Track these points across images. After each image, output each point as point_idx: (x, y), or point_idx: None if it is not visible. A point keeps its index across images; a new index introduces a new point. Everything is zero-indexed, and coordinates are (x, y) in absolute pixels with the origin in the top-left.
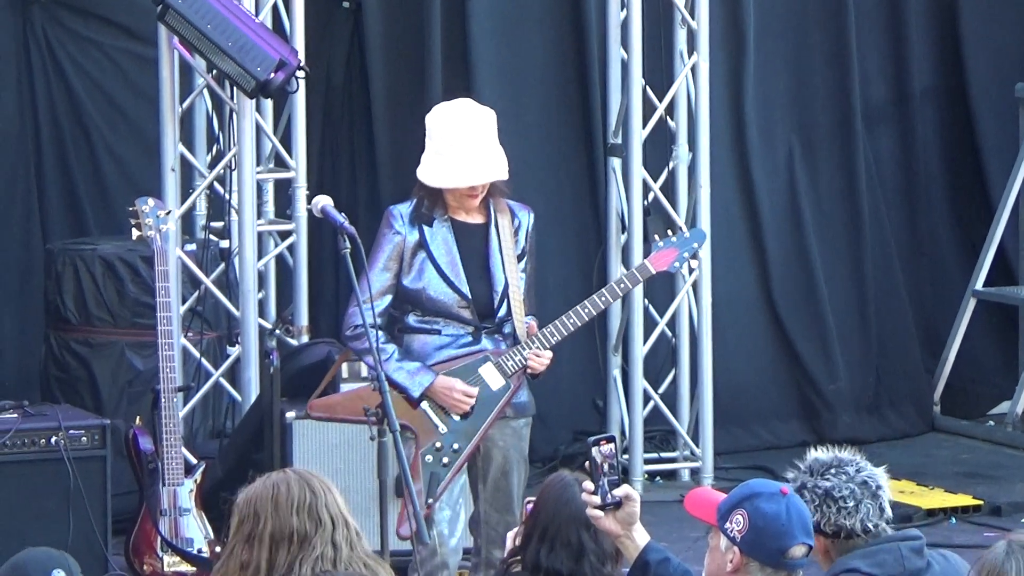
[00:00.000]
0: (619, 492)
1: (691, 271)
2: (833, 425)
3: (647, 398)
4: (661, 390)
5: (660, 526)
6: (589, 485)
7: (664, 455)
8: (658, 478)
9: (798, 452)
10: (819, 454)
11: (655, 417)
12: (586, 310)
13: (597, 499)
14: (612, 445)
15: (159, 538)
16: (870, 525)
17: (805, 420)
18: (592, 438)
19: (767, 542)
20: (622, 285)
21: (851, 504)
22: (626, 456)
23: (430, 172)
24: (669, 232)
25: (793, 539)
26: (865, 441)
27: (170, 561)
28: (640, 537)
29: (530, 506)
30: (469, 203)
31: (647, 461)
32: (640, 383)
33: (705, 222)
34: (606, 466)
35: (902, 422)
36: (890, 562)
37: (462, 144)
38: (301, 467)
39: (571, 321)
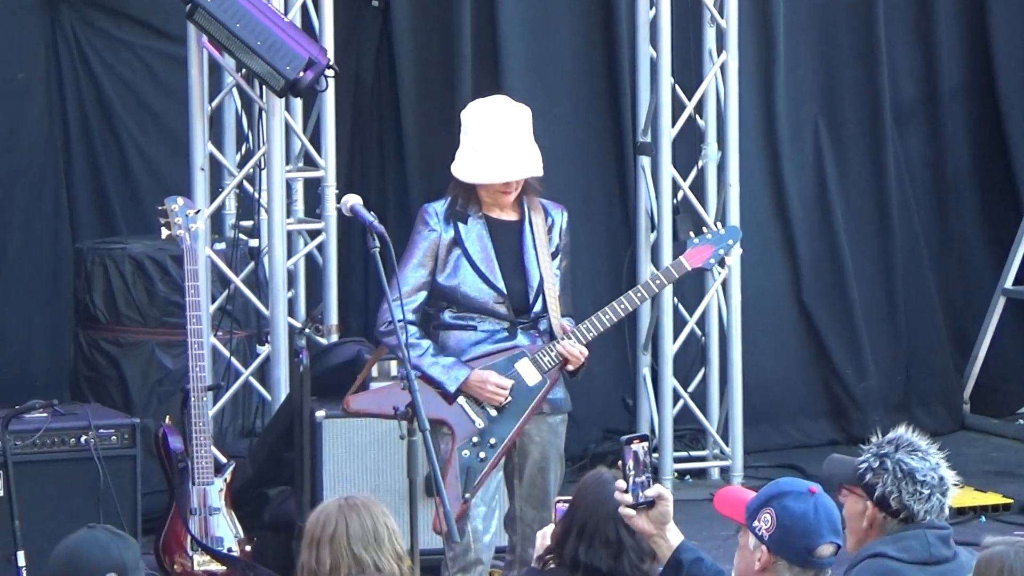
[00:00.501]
0: (651, 492)
1: (724, 267)
2: (862, 424)
3: (677, 397)
4: (691, 389)
5: (690, 524)
6: (622, 484)
7: (694, 454)
8: (688, 477)
9: (827, 451)
10: (904, 432)
11: (685, 416)
12: (622, 306)
13: (629, 498)
14: (644, 444)
15: (189, 537)
16: (928, 517)
17: (834, 419)
18: (624, 437)
19: (795, 541)
20: (657, 282)
21: (926, 492)
22: (656, 455)
23: (465, 168)
24: (704, 229)
25: (821, 538)
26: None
27: (200, 560)
28: (673, 537)
29: (560, 506)
30: (503, 200)
31: (677, 460)
32: (670, 382)
33: (734, 220)
34: (638, 465)
35: (932, 421)
36: (917, 548)
37: (497, 140)
38: (367, 496)
39: (607, 317)
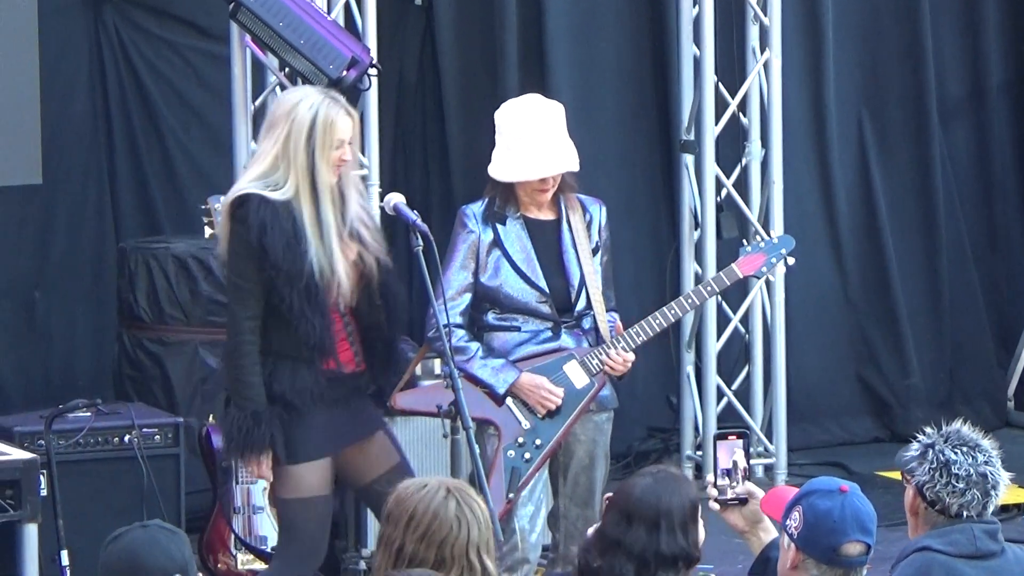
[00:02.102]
0: (741, 490)
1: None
2: (906, 421)
3: (720, 395)
4: (735, 387)
5: None
6: (711, 478)
7: None
8: (708, 473)
9: (871, 448)
10: (964, 428)
11: (728, 414)
12: (672, 311)
13: (715, 492)
14: (743, 441)
15: (233, 536)
16: (964, 513)
17: (878, 416)
18: (717, 432)
19: (820, 538)
20: (708, 288)
21: (961, 486)
22: (699, 452)
23: (501, 168)
24: (758, 237)
25: (845, 536)
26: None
27: (244, 559)
28: (766, 535)
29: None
30: (540, 198)
31: None
32: (713, 380)
33: (778, 218)
34: (730, 462)
35: (976, 418)
36: (963, 542)
37: (531, 137)
38: (467, 487)
39: (656, 322)
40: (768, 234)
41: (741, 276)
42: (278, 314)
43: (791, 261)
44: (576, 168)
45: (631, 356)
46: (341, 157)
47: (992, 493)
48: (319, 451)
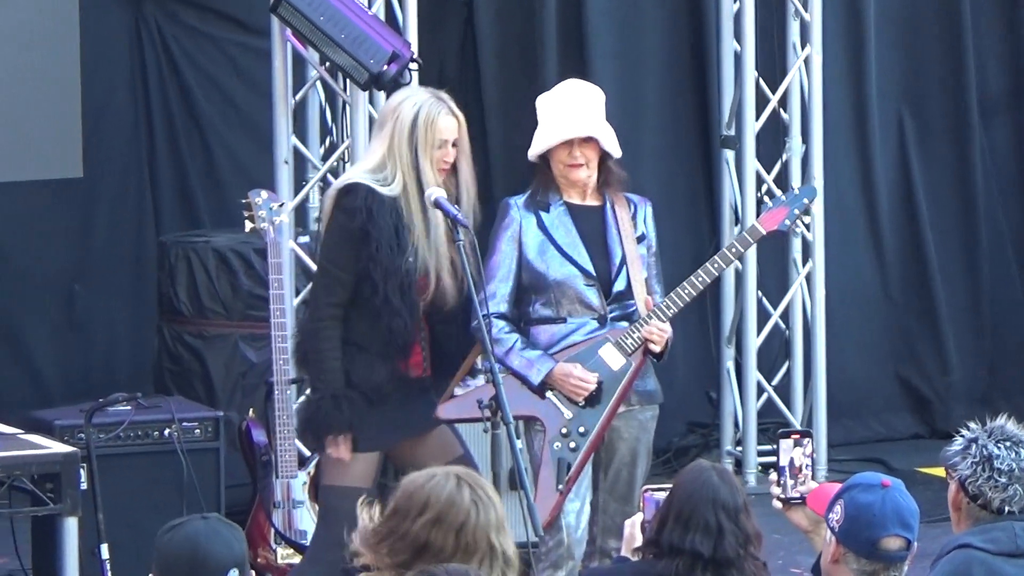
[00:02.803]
0: (804, 488)
1: (807, 227)
2: (946, 417)
3: (760, 390)
4: (775, 382)
5: (772, 518)
6: (774, 477)
7: None
8: (771, 470)
9: (911, 444)
10: (1009, 424)
11: (769, 409)
12: (700, 279)
13: (778, 491)
14: (807, 440)
15: (272, 530)
16: (1007, 508)
17: (918, 412)
18: (782, 431)
19: (859, 532)
20: (733, 250)
21: (1003, 480)
22: (739, 448)
23: (535, 143)
24: (780, 192)
25: (884, 530)
26: None
27: (284, 553)
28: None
29: (647, 495)
30: (572, 176)
31: (760, 453)
32: (754, 375)
33: (818, 214)
34: (794, 460)
35: (1016, 414)
36: (1003, 539)
37: (561, 109)
38: (477, 474)
39: (686, 292)
40: (807, 229)
41: (764, 232)
42: (366, 306)
43: (816, 210)
44: (606, 136)
45: (667, 327)
46: (444, 158)
47: None
48: (370, 445)
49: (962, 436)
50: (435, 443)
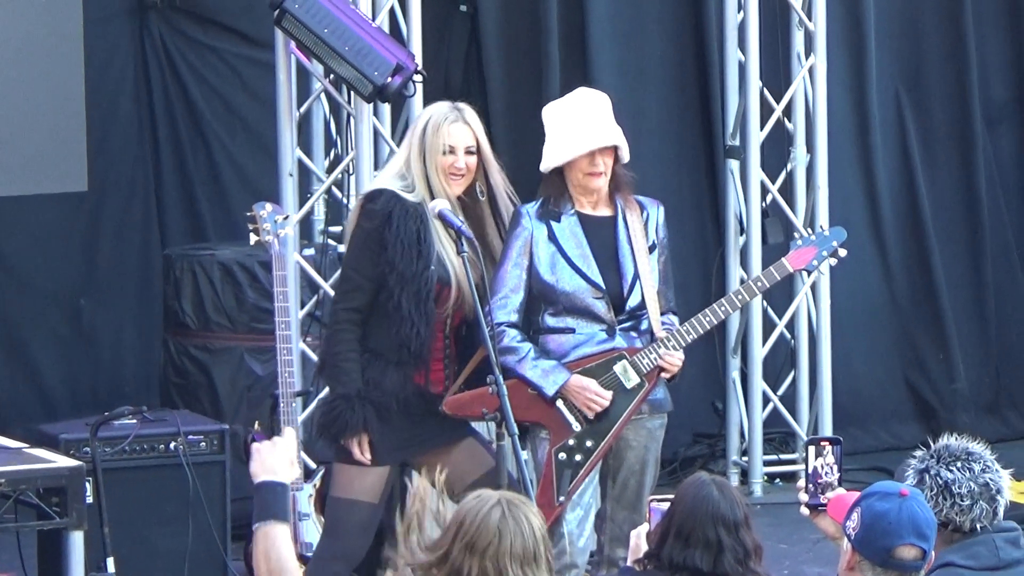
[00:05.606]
0: (831, 494)
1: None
2: (952, 426)
3: (766, 400)
4: (780, 392)
5: (780, 528)
6: (801, 483)
7: (783, 457)
8: (777, 480)
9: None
10: (951, 441)
11: (774, 419)
12: (722, 308)
13: (805, 497)
14: (835, 447)
15: None
16: (978, 526)
17: (924, 421)
18: (811, 437)
19: (874, 540)
20: (759, 284)
21: (967, 503)
22: (745, 458)
23: (548, 155)
24: (808, 231)
25: (899, 539)
26: (984, 442)
27: None
28: None
29: (653, 505)
30: (592, 184)
31: (766, 463)
32: (759, 385)
33: (823, 223)
34: (822, 467)
35: (1022, 423)
36: (985, 554)
37: (575, 119)
38: (526, 501)
39: (707, 319)
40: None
41: (792, 270)
42: (384, 312)
43: (843, 253)
44: (620, 143)
45: (681, 355)
46: (453, 165)
47: (998, 498)
48: (379, 459)
49: (911, 467)
50: (461, 459)
